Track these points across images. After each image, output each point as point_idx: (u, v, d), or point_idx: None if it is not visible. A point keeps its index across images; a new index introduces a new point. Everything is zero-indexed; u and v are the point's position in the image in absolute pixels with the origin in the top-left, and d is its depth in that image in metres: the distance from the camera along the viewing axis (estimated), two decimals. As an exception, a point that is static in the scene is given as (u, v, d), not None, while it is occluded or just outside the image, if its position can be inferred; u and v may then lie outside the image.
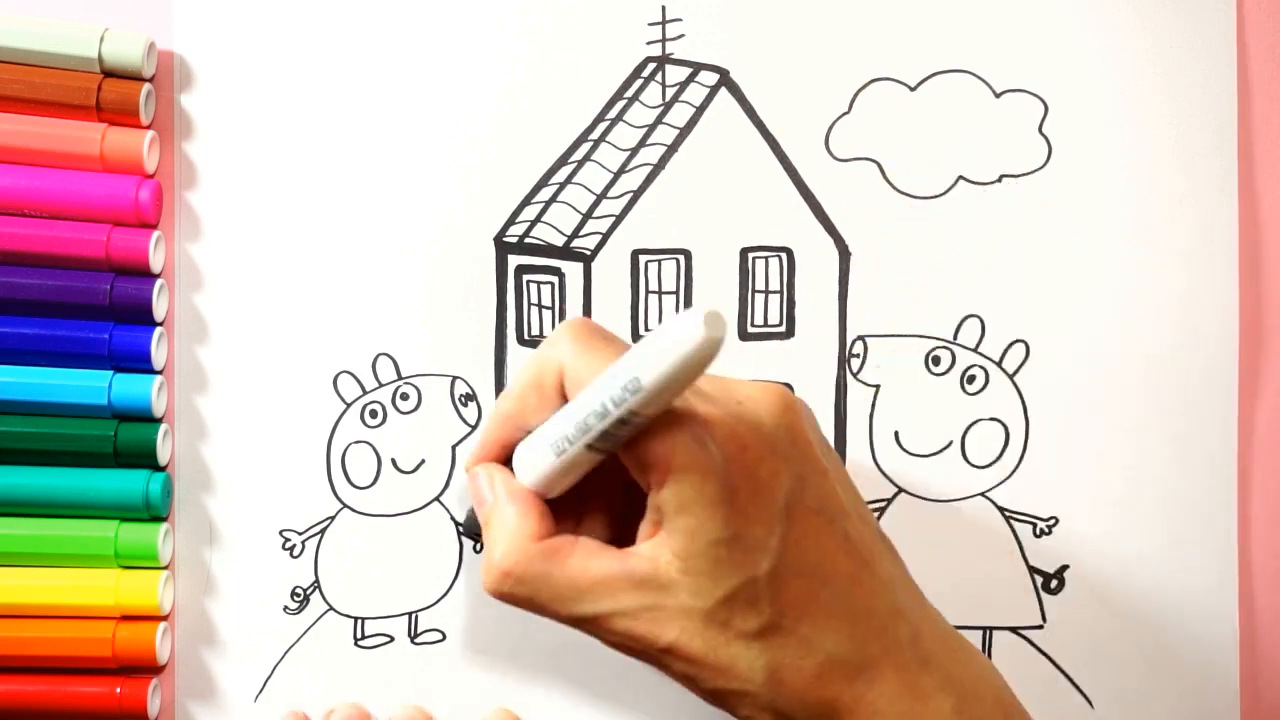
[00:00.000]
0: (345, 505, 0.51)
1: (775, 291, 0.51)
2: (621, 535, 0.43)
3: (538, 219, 0.51)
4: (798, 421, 0.42)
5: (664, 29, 0.51)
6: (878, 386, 0.51)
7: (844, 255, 0.51)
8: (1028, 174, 0.51)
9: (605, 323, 0.50)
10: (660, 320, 0.51)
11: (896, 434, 0.51)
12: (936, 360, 0.51)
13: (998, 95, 0.51)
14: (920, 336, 0.51)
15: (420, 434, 0.51)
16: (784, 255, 0.51)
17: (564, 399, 0.42)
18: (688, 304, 0.51)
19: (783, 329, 0.51)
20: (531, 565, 0.41)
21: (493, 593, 0.42)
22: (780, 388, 0.42)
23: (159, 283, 0.49)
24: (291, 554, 0.50)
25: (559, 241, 0.51)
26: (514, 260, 0.51)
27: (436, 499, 0.51)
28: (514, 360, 0.51)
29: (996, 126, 0.51)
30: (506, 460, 0.44)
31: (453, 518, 0.51)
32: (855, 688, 0.41)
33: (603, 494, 0.44)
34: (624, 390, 0.38)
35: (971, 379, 0.51)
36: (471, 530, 0.49)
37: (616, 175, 0.51)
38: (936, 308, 0.51)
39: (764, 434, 0.41)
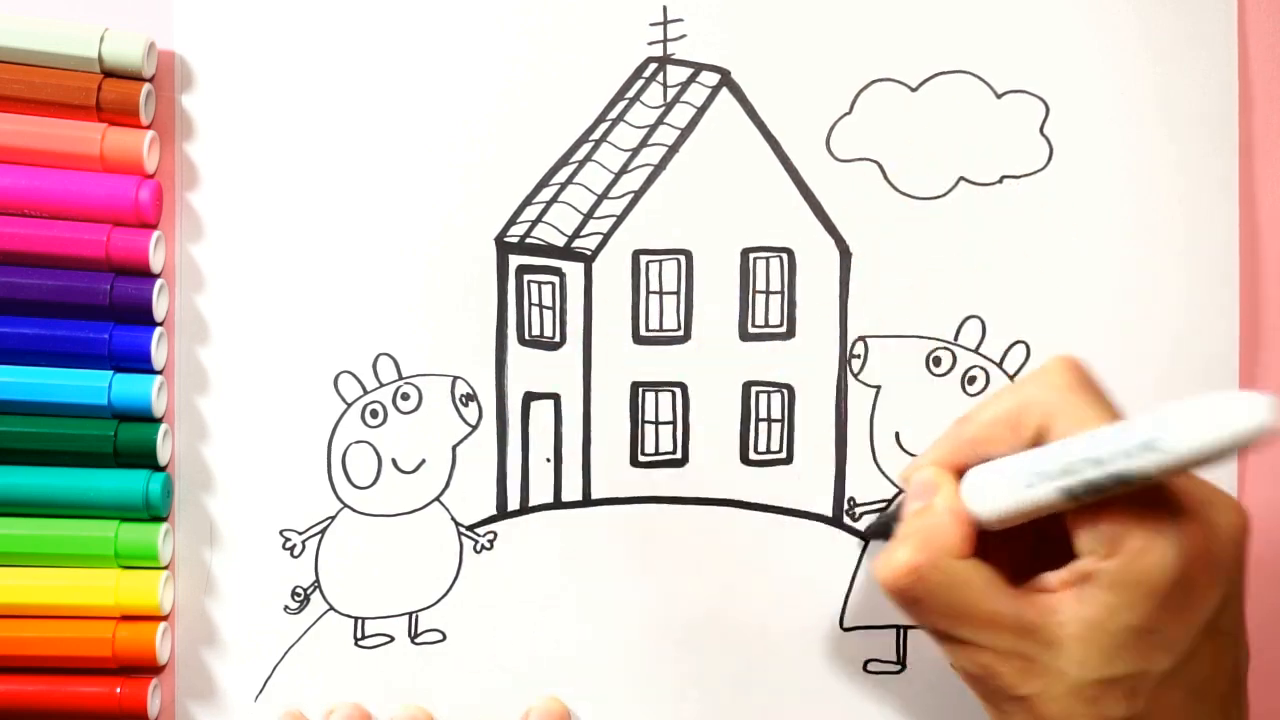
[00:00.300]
0: (345, 505, 0.51)
1: (776, 292, 0.51)
2: (1015, 566, 0.43)
3: (539, 219, 0.51)
4: (1246, 542, 0.41)
5: (665, 29, 0.51)
6: (878, 387, 0.51)
7: (845, 256, 0.51)
8: (1029, 175, 0.51)
9: (606, 323, 0.50)
10: (661, 321, 0.51)
11: (897, 435, 0.51)
12: (937, 361, 0.51)
13: (999, 96, 0.51)
14: (921, 337, 0.51)
15: (421, 434, 0.51)
16: (785, 256, 0.51)
17: (1038, 442, 0.41)
18: (688, 304, 0.51)
19: (783, 329, 0.51)
20: (938, 576, 0.41)
21: (888, 583, 0.42)
22: (1240, 504, 0.42)
23: (159, 283, 0.49)
24: (292, 554, 0.50)
25: (560, 241, 0.50)
26: (515, 260, 0.51)
27: (437, 499, 0.51)
28: (514, 360, 0.51)
29: (997, 127, 0.51)
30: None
31: (457, 522, 0.51)
32: None
33: (1015, 531, 0.43)
34: (1140, 447, 0.37)
35: (972, 380, 0.51)
36: (876, 534, 0.50)
37: (617, 175, 0.51)
38: (937, 308, 0.51)
39: (1220, 545, 0.40)
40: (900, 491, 0.51)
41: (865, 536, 0.50)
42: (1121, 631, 0.39)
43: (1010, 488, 0.41)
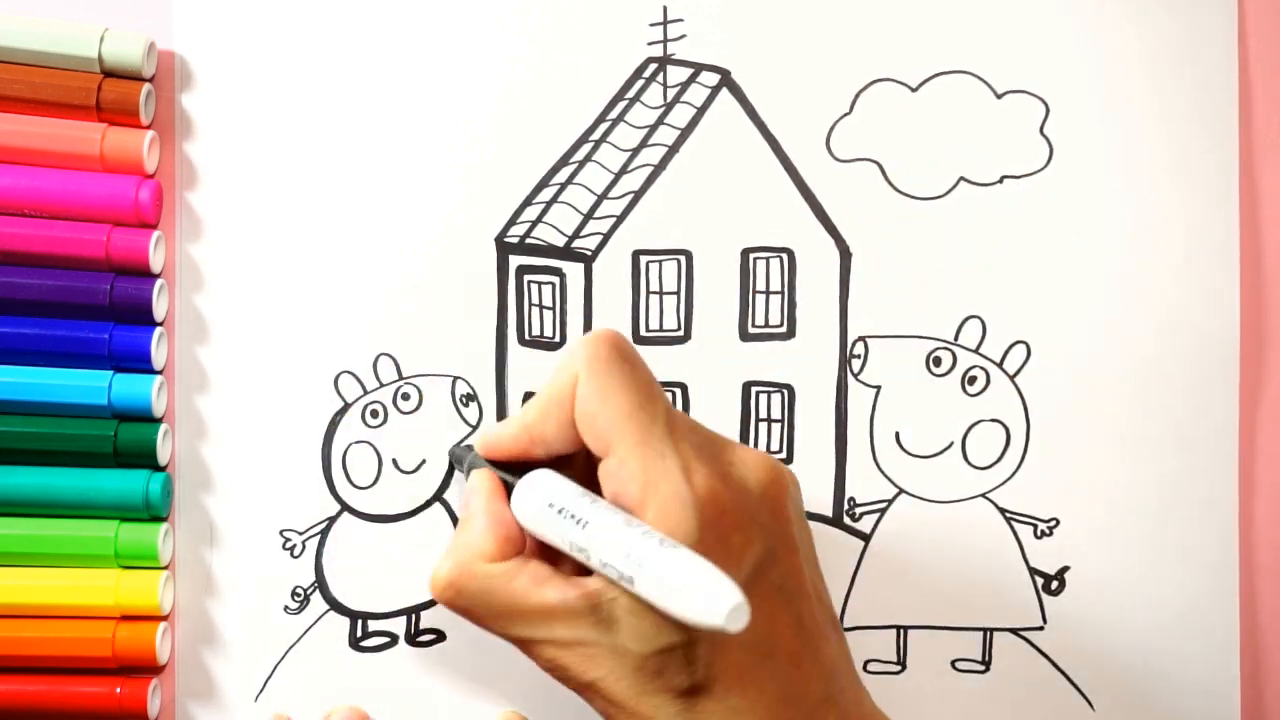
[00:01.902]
0: (346, 505, 0.51)
1: (776, 292, 0.51)
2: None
3: (539, 219, 0.51)
4: (782, 496, 0.42)
5: (665, 29, 0.51)
6: (879, 387, 0.51)
7: (845, 256, 0.51)
8: (1029, 175, 0.51)
9: (606, 323, 0.50)
10: (661, 321, 0.51)
11: (897, 435, 0.51)
12: (937, 361, 0.51)
13: (999, 96, 0.51)
14: (921, 337, 0.51)
15: (421, 434, 0.50)
16: (785, 256, 0.51)
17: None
18: (689, 304, 0.51)
19: (784, 329, 0.51)
20: (474, 584, 0.42)
21: (433, 594, 0.43)
22: (774, 461, 0.42)
23: (159, 283, 0.49)
24: (292, 554, 0.50)
25: (560, 242, 0.50)
26: (515, 260, 0.51)
27: (437, 499, 0.51)
28: (515, 361, 0.51)
29: (998, 127, 0.51)
30: (517, 465, 0.44)
31: (455, 519, 0.51)
32: None
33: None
34: (621, 575, 0.38)
35: (972, 380, 0.51)
36: (458, 461, 0.50)
37: (618, 176, 0.51)
38: (937, 308, 0.51)
39: (747, 502, 0.41)
40: (900, 492, 0.51)
41: (451, 452, 0.51)
42: None
43: (539, 509, 0.42)
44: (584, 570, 0.41)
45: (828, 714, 0.42)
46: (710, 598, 0.36)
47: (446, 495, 0.51)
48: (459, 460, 0.49)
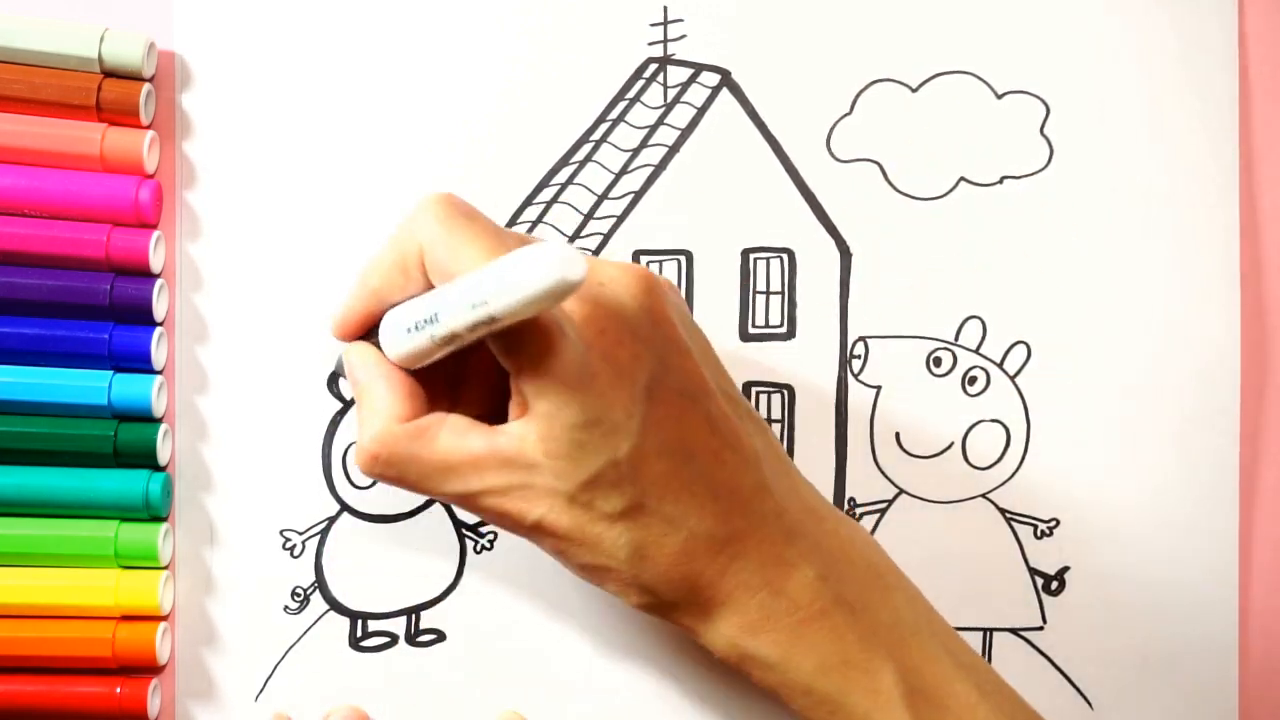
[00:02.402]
0: (345, 505, 0.51)
1: (776, 292, 0.51)
2: (498, 408, 0.43)
3: (539, 219, 0.50)
4: (659, 303, 0.42)
5: (665, 29, 0.51)
6: (879, 388, 0.51)
7: (845, 256, 0.51)
8: (1029, 175, 0.51)
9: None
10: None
11: (897, 435, 0.51)
12: (938, 361, 0.51)
13: (999, 96, 0.51)
14: (921, 338, 0.51)
15: None
16: (785, 256, 0.51)
17: (426, 280, 0.42)
18: (689, 304, 0.51)
19: (784, 330, 0.51)
20: (398, 446, 0.41)
21: (364, 472, 0.42)
22: (643, 269, 0.42)
23: (159, 283, 0.49)
24: (292, 554, 0.50)
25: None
26: (515, 261, 0.51)
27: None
28: (515, 361, 0.51)
29: (998, 128, 0.51)
30: (373, 331, 0.44)
31: (458, 522, 0.51)
32: (718, 562, 0.42)
33: (479, 366, 0.44)
34: (476, 310, 0.38)
35: (973, 380, 0.51)
36: (335, 378, 0.50)
37: (618, 176, 0.51)
38: (938, 309, 0.51)
39: (625, 317, 0.41)
40: (900, 492, 0.51)
41: (332, 385, 0.50)
42: (569, 432, 0.39)
43: (398, 336, 0.41)
44: (500, 417, 0.41)
45: (764, 501, 0.42)
46: (537, 261, 0.36)
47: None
48: (337, 374, 0.49)
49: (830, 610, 0.42)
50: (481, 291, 0.37)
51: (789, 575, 0.42)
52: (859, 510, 0.51)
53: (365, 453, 0.42)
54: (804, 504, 0.44)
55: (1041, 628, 0.51)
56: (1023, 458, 0.51)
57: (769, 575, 0.42)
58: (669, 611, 0.43)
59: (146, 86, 0.49)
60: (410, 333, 0.41)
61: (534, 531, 0.41)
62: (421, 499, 0.50)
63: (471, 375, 0.44)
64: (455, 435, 0.41)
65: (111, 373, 0.49)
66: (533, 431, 0.40)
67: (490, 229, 0.41)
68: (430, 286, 0.41)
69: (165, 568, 0.50)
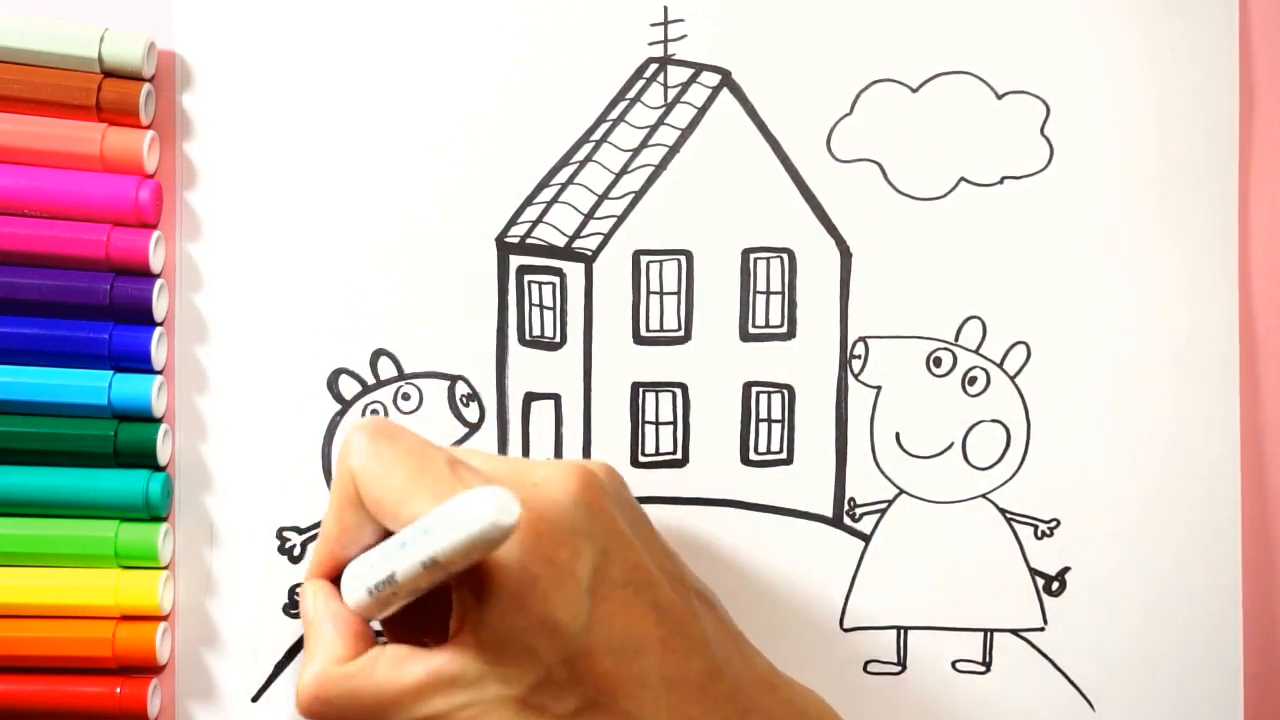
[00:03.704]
0: (345, 505, 0.50)
1: (776, 292, 0.51)
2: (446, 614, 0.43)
3: (539, 219, 0.51)
4: (596, 496, 0.41)
5: (666, 29, 0.51)
6: (879, 388, 0.51)
7: (845, 256, 0.51)
8: (1029, 175, 0.51)
9: (608, 323, 0.50)
10: (661, 321, 0.51)
11: (897, 435, 0.51)
12: (938, 361, 0.51)
13: (1000, 97, 0.51)
14: (921, 338, 0.51)
15: (421, 434, 0.50)
16: (785, 256, 0.51)
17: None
18: (689, 304, 0.51)
19: (784, 330, 0.51)
20: (335, 686, 0.41)
21: (302, 714, 0.42)
22: (577, 464, 0.42)
23: (159, 283, 0.49)
24: (291, 554, 0.50)
25: (560, 242, 0.50)
26: (515, 261, 0.51)
27: (437, 499, 0.51)
28: (515, 361, 0.51)
29: (998, 128, 0.51)
30: (339, 575, 0.44)
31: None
32: None
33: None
34: (428, 567, 0.38)
35: (973, 380, 0.51)
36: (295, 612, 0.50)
37: (618, 176, 0.51)
38: (938, 309, 0.51)
39: (562, 515, 0.40)
40: (900, 492, 0.51)
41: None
42: (513, 638, 0.39)
43: (360, 597, 0.42)
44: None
45: (717, 684, 0.42)
46: (475, 507, 0.36)
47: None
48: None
49: None
50: (428, 548, 0.37)
51: None
52: (859, 510, 0.51)
53: (305, 695, 0.42)
54: (756, 677, 0.44)
55: (1042, 628, 0.51)
56: (1023, 458, 0.51)
57: None
58: None
59: (146, 86, 0.49)
60: (372, 594, 0.41)
61: None
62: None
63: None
64: (393, 666, 0.41)
65: (111, 373, 0.49)
66: (476, 642, 0.39)
67: (410, 450, 0.41)
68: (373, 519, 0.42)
69: (165, 568, 0.50)
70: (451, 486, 0.40)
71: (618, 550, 0.41)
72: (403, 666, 0.40)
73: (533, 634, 0.39)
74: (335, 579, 0.44)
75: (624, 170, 0.51)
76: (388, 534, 0.42)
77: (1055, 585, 0.51)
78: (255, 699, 0.50)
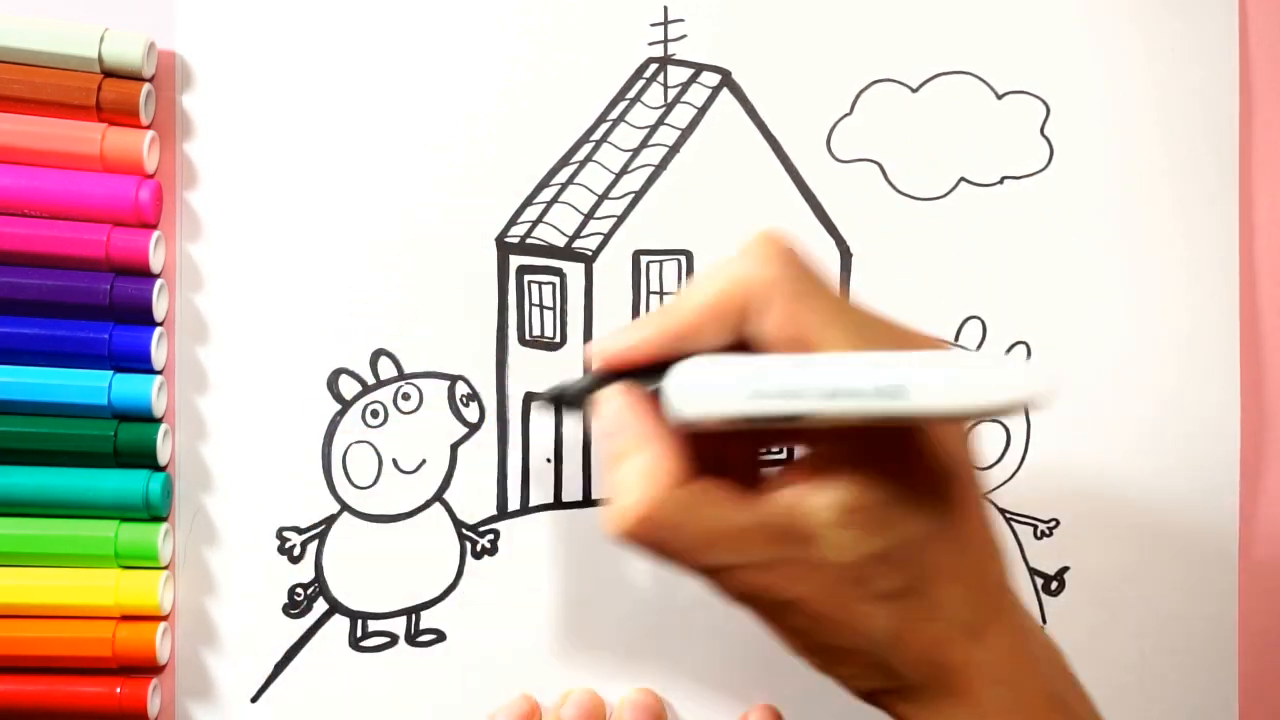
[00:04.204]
0: (346, 505, 0.50)
1: (776, 292, 0.51)
2: (752, 462, 0.41)
3: (539, 219, 0.50)
4: None
5: (666, 29, 0.51)
6: (879, 388, 0.51)
7: (845, 256, 0.51)
8: (1029, 175, 0.51)
9: (608, 323, 0.50)
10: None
11: (897, 435, 0.51)
12: (938, 362, 0.51)
13: (999, 97, 0.51)
14: (921, 338, 0.51)
15: (421, 434, 0.50)
16: (785, 256, 0.51)
17: (750, 331, 0.38)
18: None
19: (784, 330, 0.51)
20: (666, 514, 0.37)
21: (621, 538, 0.38)
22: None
23: (159, 283, 0.49)
24: (291, 554, 0.50)
25: (560, 242, 0.50)
26: (515, 260, 0.51)
27: (437, 499, 0.51)
28: (515, 360, 0.51)
29: (998, 128, 0.51)
30: (638, 371, 0.40)
31: (458, 522, 0.51)
32: (968, 649, 0.39)
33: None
34: (880, 391, 0.34)
35: (973, 380, 0.51)
36: (558, 400, 0.44)
37: (618, 176, 0.51)
38: (938, 309, 0.51)
39: None
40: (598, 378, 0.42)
41: (549, 399, 0.45)
42: (875, 505, 0.37)
43: (728, 398, 0.37)
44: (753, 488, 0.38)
45: (1006, 594, 0.41)
46: (1005, 374, 0.32)
47: (447, 495, 0.51)
48: (560, 399, 0.44)
49: (1057, 710, 0.40)
50: (906, 379, 0.33)
51: (1031, 668, 0.40)
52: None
53: (632, 516, 0.38)
54: (1023, 601, 0.42)
55: (1041, 628, 0.51)
56: (1022, 458, 0.51)
57: (1011, 666, 0.40)
58: (901, 697, 0.40)
59: (146, 86, 0.49)
60: (751, 399, 0.36)
61: (783, 609, 0.39)
62: (422, 499, 0.50)
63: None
64: (723, 505, 0.38)
65: (111, 373, 0.49)
66: (825, 500, 0.37)
67: (831, 291, 0.38)
68: (741, 339, 0.38)
69: (165, 568, 0.50)
70: (870, 340, 0.37)
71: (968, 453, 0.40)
72: (731, 508, 0.38)
73: (891, 507, 0.37)
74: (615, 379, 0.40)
75: (624, 170, 0.51)
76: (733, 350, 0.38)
77: (1054, 585, 0.51)
78: (255, 699, 0.51)
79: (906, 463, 0.38)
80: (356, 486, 0.51)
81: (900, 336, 0.39)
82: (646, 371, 0.39)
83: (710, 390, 0.37)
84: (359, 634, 0.51)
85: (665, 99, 0.51)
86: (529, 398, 0.51)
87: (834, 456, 0.38)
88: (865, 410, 0.34)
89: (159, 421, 0.50)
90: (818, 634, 0.39)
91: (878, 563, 0.38)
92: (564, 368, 0.51)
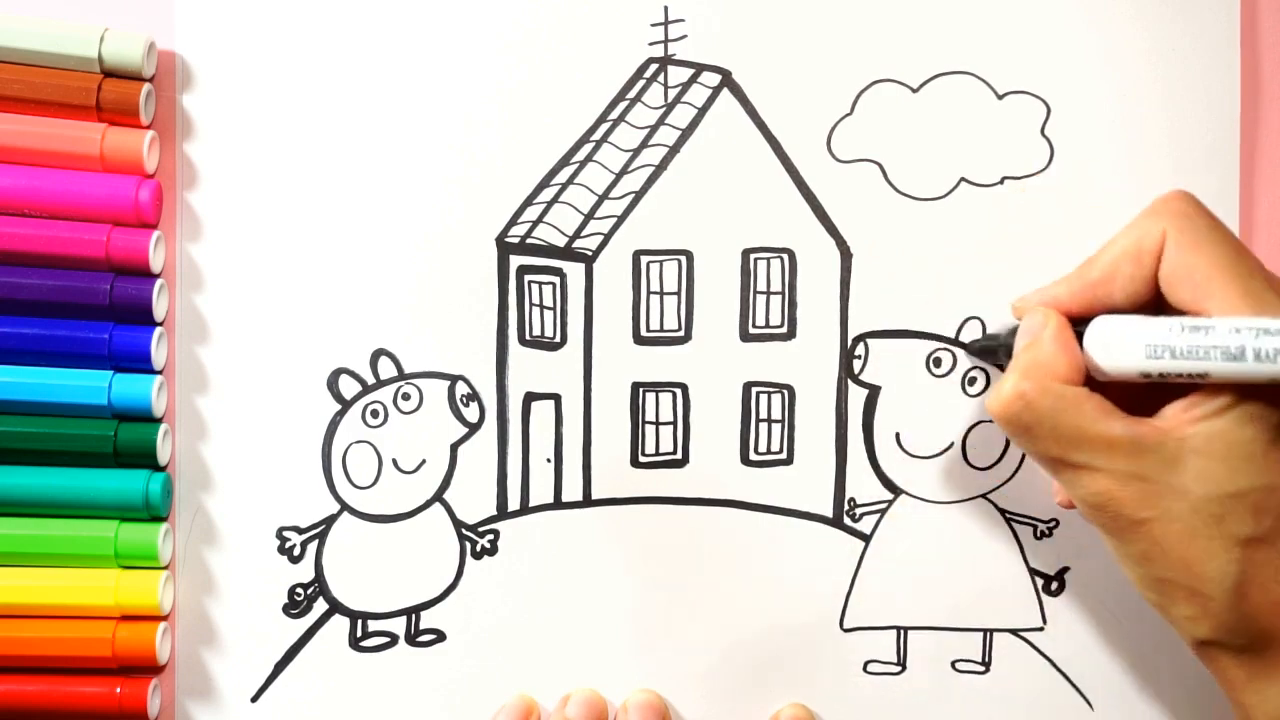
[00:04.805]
0: (346, 505, 0.51)
1: (777, 292, 0.51)
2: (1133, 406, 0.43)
3: (539, 219, 0.50)
4: None
5: (666, 29, 0.51)
6: (879, 388, 0.51)
7: (845, 256, 0.51)
8: (1030, 176, 0.51)
9: (606, 323, 0.50)
10: (661, 321, 0.51)
11: (897, 435, 0.51)
12: (938, 361, 0.51)
13: (1000, 97, 0.51)
14: (922, 338, 0.51)
15: (421, 434, 0.50)
16: (785, 256, 0.51)
17: (1158, 271, 0.42)
18: (689, 304, 0.51)
19: (784, 330, 0.51)
20: (1046, 398, 0.41)
21: (996, 411, 0.42)
22: None
23: (159, 283, 0.49)
24: (291, 554, 0.50)
25: (561, 242, 0.50)
26: (516, 260, 0.51)
27: (437, 499, 0.51)
28: (515, 361, 0.51)
29: (998, 128, 0.51)
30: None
31: (458, 522, 0.51)
32: None
33: None
34: (1274, 362, 0.37)
35: (973, 381, 0.51)
36: (978, 351, 0.50)
37: (618, 176, 0.51)
38: (938, 309, 0.51)
39: None
40: (900, 493, 0.51)
41: (967, 348, 0.50)
42: (1246, 443, 0.39)
43: (1134, 353, 0.41)
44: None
45: None
46: None
47: (447, 495, 0.51)
48: (986, 350, 0.49)
49: None
50: None
51: None
52: (859, 510, 0.51)
53: (1010, 391, 0.42)
54: None
55: (1041, 628, 0.51)
56: (1023, 458, 0.51)
57: None
58: (1234, 655, 0.41)
59: (146, 86, 0.49)
60: (1152, 358, 0.41)
61: (1131, 528, 0.40)
62: (422, 499, 0.50)
63: None
64: (1100, 412, 0.41)
65: (111, 373, 0.49)
66: (1202, 430, 0.39)
67: (1230, 237, 0.41)
68: (1155, 283, 0.42)
69: (165, 568, 0.50)
70: (1265, 303, 0.40)
71: None
72: (1109, 417, 0.41)
73: (1265, 448, 0.39)
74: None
75: (624, 170, 0.51)
76: (1146, 312, 0.42)
77: (1054, 585, 0.51)
78: (255, 699, 0.51)
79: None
80: (356, 486, 0.51)
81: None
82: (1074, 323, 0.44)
83: (1114, 346, 0.42)
84: (359, 634, 0.51)
85: (665, 99, 0.51)
86: (529, 398, 0.50)
87: (1220, 392, 0.39)
88: (1263, 372, 0.38)
89: (159, 421, 0.50)
90: (1161, 564, 0.40)
91: (1237, 502, 0.39)
92: (564, 367, 0.51)
